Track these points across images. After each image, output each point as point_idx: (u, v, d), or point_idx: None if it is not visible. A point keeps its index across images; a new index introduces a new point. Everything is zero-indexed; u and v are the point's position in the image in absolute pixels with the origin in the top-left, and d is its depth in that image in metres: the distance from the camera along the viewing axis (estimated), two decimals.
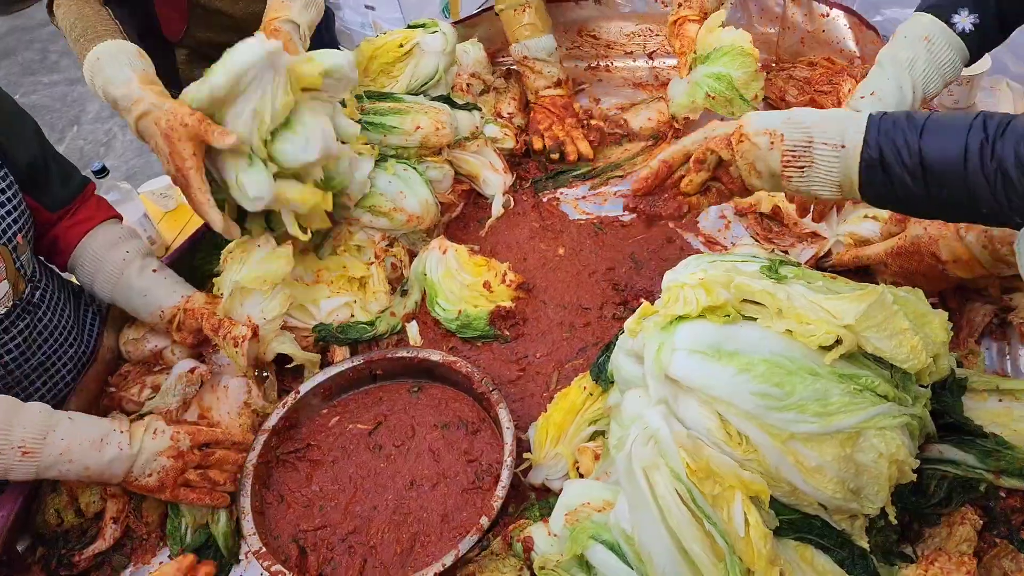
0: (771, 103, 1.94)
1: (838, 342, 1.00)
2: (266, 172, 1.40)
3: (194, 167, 1.36)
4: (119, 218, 1.62)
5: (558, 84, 2.01)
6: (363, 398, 1.46)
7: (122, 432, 1.28)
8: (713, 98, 1.70)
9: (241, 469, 1.34)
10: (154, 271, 1.52)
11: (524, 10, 1.98)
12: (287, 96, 1.39)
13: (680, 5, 1.86)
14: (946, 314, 1.11)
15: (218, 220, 1.41)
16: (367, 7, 4.36)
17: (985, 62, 1.75)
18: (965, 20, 1.35)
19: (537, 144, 1.95)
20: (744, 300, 1.07)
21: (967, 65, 1.44)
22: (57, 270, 1.61)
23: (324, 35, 2.56)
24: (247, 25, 2.05)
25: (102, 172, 2.43)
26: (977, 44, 1.38)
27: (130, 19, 1.72)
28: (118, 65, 1.43)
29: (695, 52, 1.76)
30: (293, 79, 1.41)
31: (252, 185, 1.38)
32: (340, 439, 1.40)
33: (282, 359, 1.52)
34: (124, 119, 1.48)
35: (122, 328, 1.58)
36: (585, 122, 1.99)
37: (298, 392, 1.43)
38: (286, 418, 1.40)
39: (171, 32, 1.93)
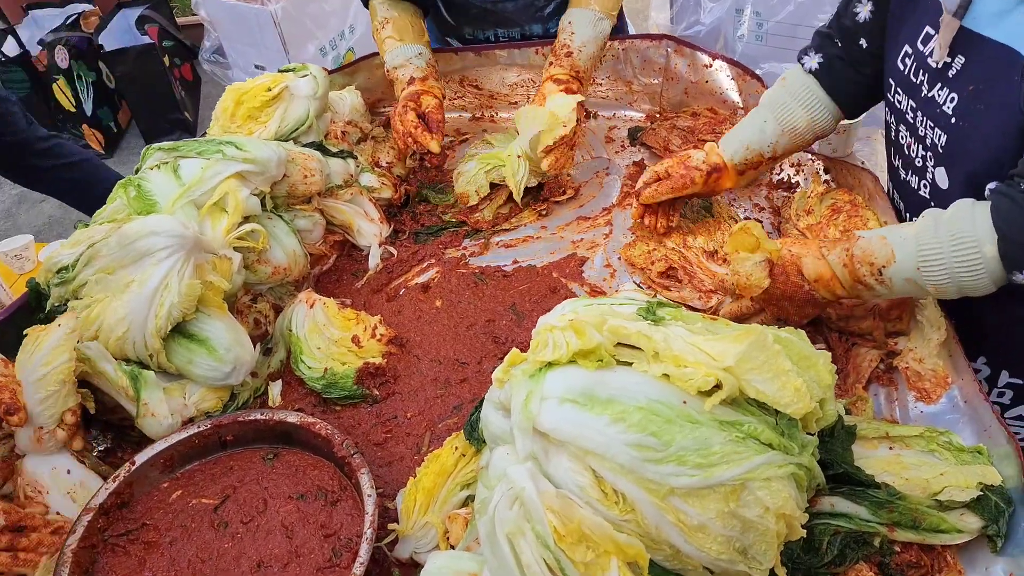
0: (655, 152, 1.91)
1: (718, 386, 0.92)
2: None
3: None
4: None
5: (411, 82, 1.87)
6: (211, 468, 1.30)
7: None
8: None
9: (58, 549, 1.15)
10: None
11: (384, 26, 1.94)
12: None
13: (551, 64, 1.83)
14: (829, 355, 1.05)
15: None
16: (257, 67, 4.27)
17: None
18: (812, 60, 1.50)
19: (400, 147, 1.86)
20: (619, 344, 0.99)
21: (853, 114, 1.55)
22: None
23: None
24: None
25: None
26: (831, 84, 1.50)
27: None
28: None
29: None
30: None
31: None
32: (180, 516, 1.23)
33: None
34: None
35: None
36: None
37: (133, 463, 1.25)
38: (117, 494, 1.22)
39: None
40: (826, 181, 1.70)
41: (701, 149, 1.57)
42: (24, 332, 1.31)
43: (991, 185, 1.12)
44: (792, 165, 1.79)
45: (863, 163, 1.73)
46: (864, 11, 1.41)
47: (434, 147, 1.78)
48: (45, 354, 1.25)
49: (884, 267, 1.17)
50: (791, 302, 1.29)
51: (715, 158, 1.55)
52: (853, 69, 1.46)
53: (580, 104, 1.73)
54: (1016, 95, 1.08)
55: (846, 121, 1.76)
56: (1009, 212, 1.06)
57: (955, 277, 1.11)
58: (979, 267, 1.09)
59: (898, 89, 1.34)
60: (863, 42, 1.43)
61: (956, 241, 1.10)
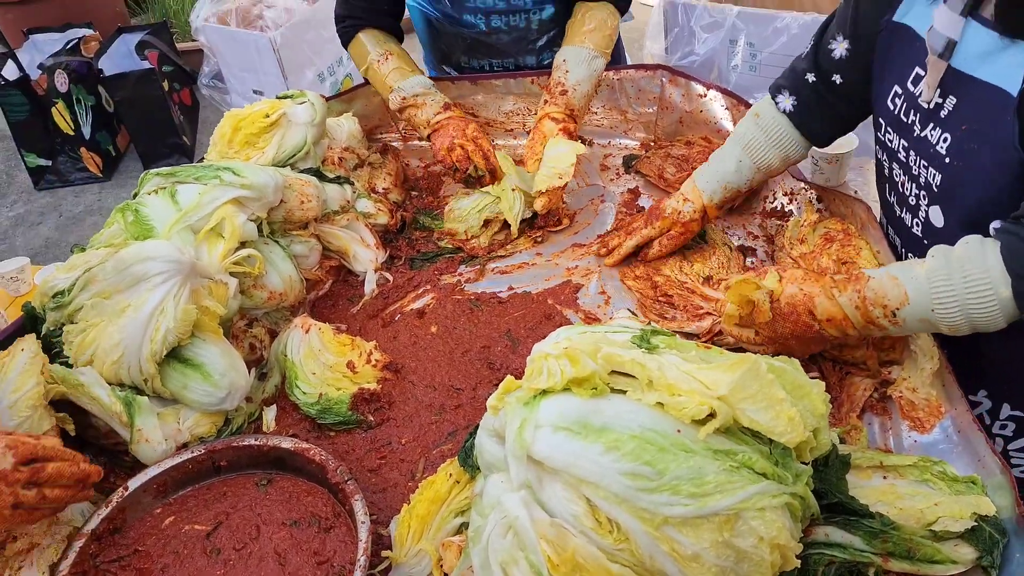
0: (650, 180, 1.93)
1: (712, 415, 0.92)
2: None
3: None
4: None
5: (447, 107, 1.92)
6: (204, 494, 1.29)
7: None
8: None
9: (82, 482, 1.14)
10: None
11: (386, 59, 1.94)
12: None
13: (546, 102, 1.85)
14: (823, 384, 1.06)
15: None
16: (255, 92, 4.30)
17: (852, 141, 1.79)
18: (787, 101, 1.53)
19: (447, 161, 1.84)
20: (613, 372, 0.99)
21: (823, 144, 1.59)
22: None
23: None
24: None
25: None
26: (803, 122, 1.53)
27: None
28: None
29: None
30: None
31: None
32: (173, 542, 1.22)
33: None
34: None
35: None
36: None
37: (126, 488, 1.25)
38: (110, 519, 1.22)
39: None
40: (819, 210, 1.72)
41: (675, 194, 1.66)
42: None
43: (995, 224, 1.11)
44: (786, 194, 1.81)
45: (856, 192, 1.74)
46: (840, 48, 1.43)
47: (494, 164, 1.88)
48: (12, 380, 1.25)
49: (897, 309, 1.15)
50: (798, 340, 1.29)
51: (699, 203, 1.61)
52: (827, 106, 1.49)
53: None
54: (1010, 134, 1.09)
55: (839, 151, 1.79)
56: (1022, 253, 1.05)
57: (969, 316, 1.10)
58: (994, 308, 1.07)
59: (889, 128, 1.35)
60: (836, 78, 1.45)
61: (969, 282, 1.08)
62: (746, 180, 1.58)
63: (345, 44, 2.01)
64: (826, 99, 1.48)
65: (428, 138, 1.92)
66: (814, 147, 1.61)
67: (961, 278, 1.09)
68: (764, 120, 1.56)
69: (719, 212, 1.64)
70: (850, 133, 1.74)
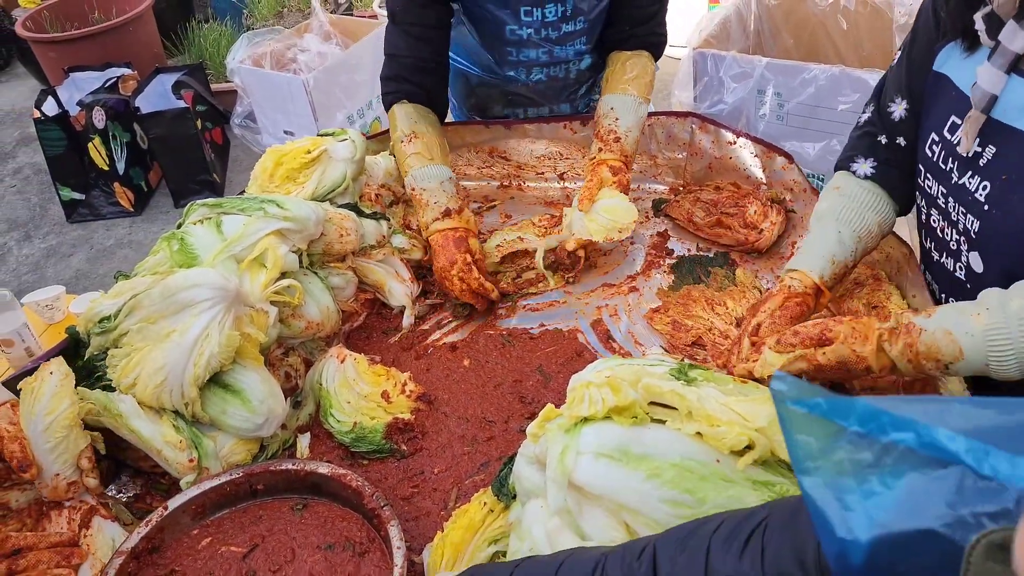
0: (679, 224, 1.96)
1: (750, 447, 0.94)
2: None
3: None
4: None
5: (447, 215, 1.79)
6: (240, 516, 1.31)
7: None
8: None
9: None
10: None
11: (411, 140, 1.88)
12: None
13: (601, 150, 1.88)
14: None
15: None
16: (286, 132, 4.39)
17: None
18: (864, 166, 1.48)
19: (443, 286, 1.77)
20: (652, 403, 1.01)
21: (905, 209, 1.53)
22: None
23: None
24: None
25: None
26: (888, 181, 1.47)
27: None
28: None
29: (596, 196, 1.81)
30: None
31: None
32: (209, 564, 1.24)
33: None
34: None
35: None
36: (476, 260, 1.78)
37: (166, 508, 1.27)
38: (149, 538, 1.24)
39: None
40: None
41: (784, 283, 1.45)
42: (18, 387, 1.34)
43: None
44: None
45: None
46: (899, 110, 1.41)
47: (495, 295, 1.76)
48: (46, 403, 1.29)
49: (951, 363, 1.15)
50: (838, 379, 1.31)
51: (808, 280, 1.42)
52: (905, 165, 1.45)
53: None
54: None
55: None
56: None
57: (1023, 364, 1.10)
58: None
59: (928, 175, 1.35)
60: (901, 140, 1.43)
61: None
62: (851, 251, 1.45)
63: (387, 108, 1.98)
64: (900, 161, 1.45)
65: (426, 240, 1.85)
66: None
67: (1020, 334, 1.08)
68: (849, 190, 1.48)
69: (832, 294, 1.46)
70: None
